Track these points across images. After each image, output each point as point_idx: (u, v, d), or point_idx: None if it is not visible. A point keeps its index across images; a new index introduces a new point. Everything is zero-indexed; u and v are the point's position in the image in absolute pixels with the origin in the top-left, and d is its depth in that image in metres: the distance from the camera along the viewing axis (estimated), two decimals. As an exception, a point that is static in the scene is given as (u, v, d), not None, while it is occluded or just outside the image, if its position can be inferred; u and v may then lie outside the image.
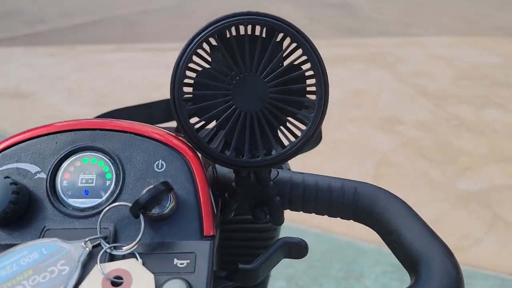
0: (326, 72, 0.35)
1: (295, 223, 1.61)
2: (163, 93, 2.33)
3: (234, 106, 0.34)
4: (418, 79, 3.11)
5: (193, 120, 0.35)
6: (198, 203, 0.33)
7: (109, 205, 0.32)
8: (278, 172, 0.43)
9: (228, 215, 0.43)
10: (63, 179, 0.33)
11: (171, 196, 0.32)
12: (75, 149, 0.34)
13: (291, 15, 4.28)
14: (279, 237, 0.76)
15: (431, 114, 2.56)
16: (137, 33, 4.30)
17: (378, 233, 0.39)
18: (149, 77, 3.08)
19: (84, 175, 0.33)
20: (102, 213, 0.31)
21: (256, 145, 0.35)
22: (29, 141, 0.34)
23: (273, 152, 0.35)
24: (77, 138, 0.34)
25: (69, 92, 2.83)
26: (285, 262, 0.40)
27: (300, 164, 1.96)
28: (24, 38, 3.79)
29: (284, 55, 0.34)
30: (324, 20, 4.54)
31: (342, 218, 0.42)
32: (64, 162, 0.34)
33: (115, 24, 4.59)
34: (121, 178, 0.33)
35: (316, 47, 0.34)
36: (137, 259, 0.30)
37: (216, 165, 0.44)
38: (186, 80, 0.34)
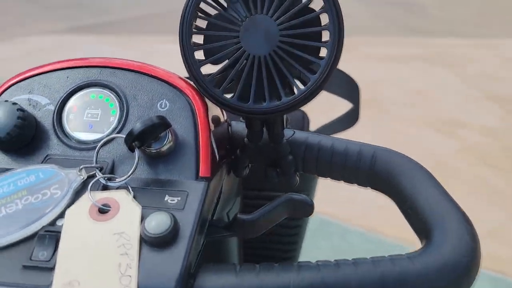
0: (341, 15, 0.32)
1: (340, 220, 1.57)
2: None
3: (242, 48, 0.33)
4: (487, 82, 2.92)
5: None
6: (196, 144, 0.32)
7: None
8: (294, 132, 0.41)
9: (240, 172, 0.41)
10: (70, 112, 0.34)
11: (170, 134, 0.32)
12: (84, 84, 0.34)
13: (354, 11, 4.18)
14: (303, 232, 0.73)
15: (499, 120, 2.40)
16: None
17: (394, 200, 0.37)
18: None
19: (90, 110, 0.34)
20: (99, 144, 0.31)
21: (264, 91, 0.34)
22: (42, 75, 0.35)
23: (282, 100, 0.33)
24: (88, 75, 0.35)
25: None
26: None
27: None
28: (90, 28, 4.00)
29: None
30: (388, 17, 4.39)
31: (358, 184, 0.40)
32: (73, 97, 0.34)
33: (179, 17, 4.70)
34: (124, 115, 0.33)
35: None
36: (129, 191, 0.30)
37: (232, 122, 0.43)
38: (197, 23, 0.33)
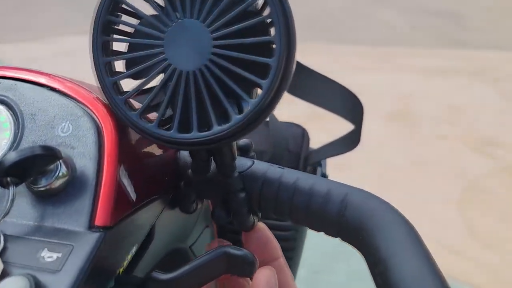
0: (292, 22, 0.25)
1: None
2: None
3: (166, 61, 0.26)
4: (531, 100, 2.72)
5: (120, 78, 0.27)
6: (97, 182, 0.25)
7: None
8: (253, 162, 0.34)
9: (186, 208, 0.34)
10: None
11: (63, 167, 0.25)
12: None
13: (392, 21, 4.03)
14: (298, 248, 0.65)
15: (541, 141, 2.21)
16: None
17: (364, 258, 0.28)
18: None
19: None
20: None
21: (198, 115, 0.26)
22: None
23: (212, 129, 0.26)
24: None
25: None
26: None
27: (369, 178, 1.81)
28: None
29: None
30: (427, 28, 4.21)
31: (325, 233, 0.32)
32: None
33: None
34: (18, 139, 0.27)
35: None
36: (-2, 240, 0.23)
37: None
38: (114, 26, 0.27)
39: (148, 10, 0.27)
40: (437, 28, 4.17)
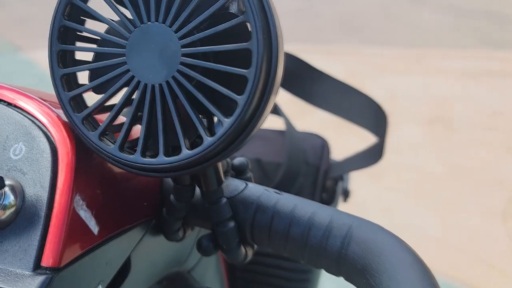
0: (274, 28, 0.20)
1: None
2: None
3: (128, 72, 0.22)
4: None
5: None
6: (48, 215, 0.21)
7: None
8: (246, 185, 0.29)
9: (171, 236, 0.30)
10: None
11: (10, 196, 0.21)
12: None
13: (430, 21, 3.88)
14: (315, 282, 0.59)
15: None
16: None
17: None
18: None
19: None
20: None
21: (166, 136, 0.22)
22: None
23: (181, 154, 0.22)
24: None
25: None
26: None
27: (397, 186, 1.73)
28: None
29: None
30: (467, 29, 4.03)
31: (327, 271, 0.27)
32: None
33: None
34: None
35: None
36: None
37: None
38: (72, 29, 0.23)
39: (113, 14, 0.23)
40: (478, 29, 3.99)
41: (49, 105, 0.25)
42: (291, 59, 0.54)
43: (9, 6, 3.32)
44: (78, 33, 0.24)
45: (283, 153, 0.59)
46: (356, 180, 0.70)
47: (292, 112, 0.69)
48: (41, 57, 2.41)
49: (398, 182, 1.77)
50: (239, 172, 0.31)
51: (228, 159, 0.30)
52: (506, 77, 2.95)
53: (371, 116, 0.55)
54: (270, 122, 0.43)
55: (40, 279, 0.20)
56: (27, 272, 0.21)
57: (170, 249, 0.34)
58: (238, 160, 0.31)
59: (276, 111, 0.60)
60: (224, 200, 0.27)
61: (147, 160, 0.22)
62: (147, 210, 0.28)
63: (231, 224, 0.27)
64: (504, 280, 1.38)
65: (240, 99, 0.21)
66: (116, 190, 0.26)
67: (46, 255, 0.21)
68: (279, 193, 0.28)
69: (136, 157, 0.22)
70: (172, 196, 0.28)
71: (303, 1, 3.88)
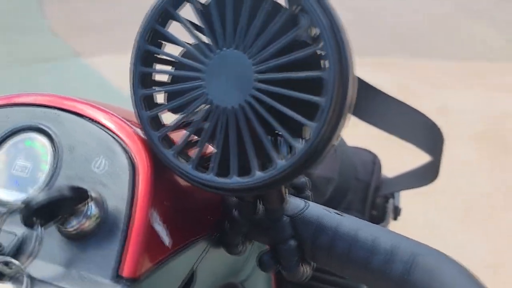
0: (348, 58, 0.21)
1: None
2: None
3: (205, 96, 0.24)
4: None
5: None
6: (127, 227, 0.23)
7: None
8: (306, 205, 0.30)
9: (233, 250, 0.32)
10: (0, 161, 0.27)
11: (94, 208, 0.24)
12: (21, 128, 0.28)
13: (483, 35, 3.74)
14: None
15: None
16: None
17: None
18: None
19: (20, 161, 0.27)
20: (2, 214, 0.24)
21: (239, 158, 0.24)
22: None
23: (253, 176, 0.23)
24: (30, 116, 0.28)
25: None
26: None
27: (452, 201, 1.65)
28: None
29: (280, 23, 0.22)
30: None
31: None
32: (8, 141, 0.28)
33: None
34: (55, 173, 0.26)
35: (336, 16, 0.21)
36: (21, 285, 0.22)
37: None
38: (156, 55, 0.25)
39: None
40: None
41: (127, 122, 0.27)
42: None
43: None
44: (155, 55, 0.26)
45: (333, 168, 0.60)
46: (404, 197, 0.69)
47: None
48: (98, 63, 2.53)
49: (445, 201, 1.70)
50: (298, 190, 0.32)
51: None
52: None
53: (426, 135, 0.54)
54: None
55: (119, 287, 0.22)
56: (106, 281, 0.22)
57: (229, 261, 0.35)
58: (298, 178, 0.32)
59: None
60: (286, 218, 0.28)
61: (222, 180, 0.24)
62: (211, 223, 0.30)
63: (292, 242, 0.28)
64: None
65: (314, 126, 0.22)
66: (186, 204, 0.28)
67: (125, 265, 0.23)
68: (341, 215, 0.29)
69: (211, 177, 0.24)
70: (235, 211, 0.29)
71: (354, 12, 3.83)
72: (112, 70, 2.42)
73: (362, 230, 0.28)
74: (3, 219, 0.24)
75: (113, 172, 0.25)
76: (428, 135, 0.54)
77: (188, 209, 0.28)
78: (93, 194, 0.24)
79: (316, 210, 0.30)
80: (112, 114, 0.28)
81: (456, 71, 3.05)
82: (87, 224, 0.23)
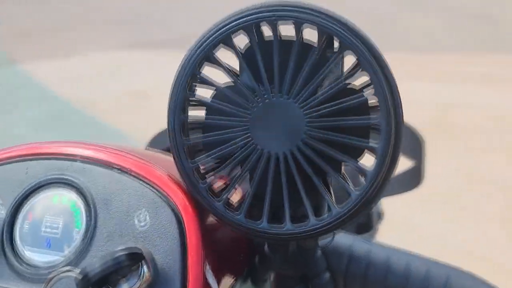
0: (400, 105, 0.22)
1: None
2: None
3: (253, 143, 0.23)
4: None
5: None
6: (183, 280, 0.23)
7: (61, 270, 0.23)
8: (333, 236, 0.30)
9: (260, 285, 0.31)
10: (25, 220, 0.25)
11: (144, 268, 0.23)
12: (45, 182, 0.26)
13: (429, 27, 3.90)
14: None
15: None
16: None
17: None
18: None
19: (49, 220, 0.25)
20: (47, 282, 0.23)
21: (290, 204, 0.24)
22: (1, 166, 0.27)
23: (307, 222, 0.23)
24: (53, 168, 0.26)
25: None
26: None
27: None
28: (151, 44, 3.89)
29: (330, 71, 0.22)
30: (467, 32, 4.04)
31: None
32: (30, 198, 0.26)
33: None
34: (91, 231, 0.25)
35: (386, 63, 0.21)
36: None
37: None
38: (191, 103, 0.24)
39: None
40: (477, 33, 4.01)
41: (164, 170, 0.26)
42: None
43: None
44: (190, 99, 0.25)
45: None
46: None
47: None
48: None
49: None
50: None
51: None
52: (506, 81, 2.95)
53: (406, 140, 0.56)
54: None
55: None
56: None
57: None
58: None
59: None
60: (319, 252, 0.29)
61: (276, 228, 0.23)
62: (245, 261, 0.30)
63: (327, 275, 0.29)
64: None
65: (369, 172, 0.22)
66: (227, 250, 0.27)
67: None
68: (368, 243, 0.30)
69: (264, 225, 0.23)
70: (266, 247, 0.29)
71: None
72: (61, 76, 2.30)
73: (393, 255, 0.28)
74: (50, 285, 0.22)
75: (158, 228, 0.24)
76: (407, 140, 0.55)
77: (227, 255, 0.28)
78: (145, 255, 0.23)
79: (345, 238, 0.30)
80: (142, 159, 0.26)
81: (405, 62, 3.15)
82: (138, 286, 0.22)
